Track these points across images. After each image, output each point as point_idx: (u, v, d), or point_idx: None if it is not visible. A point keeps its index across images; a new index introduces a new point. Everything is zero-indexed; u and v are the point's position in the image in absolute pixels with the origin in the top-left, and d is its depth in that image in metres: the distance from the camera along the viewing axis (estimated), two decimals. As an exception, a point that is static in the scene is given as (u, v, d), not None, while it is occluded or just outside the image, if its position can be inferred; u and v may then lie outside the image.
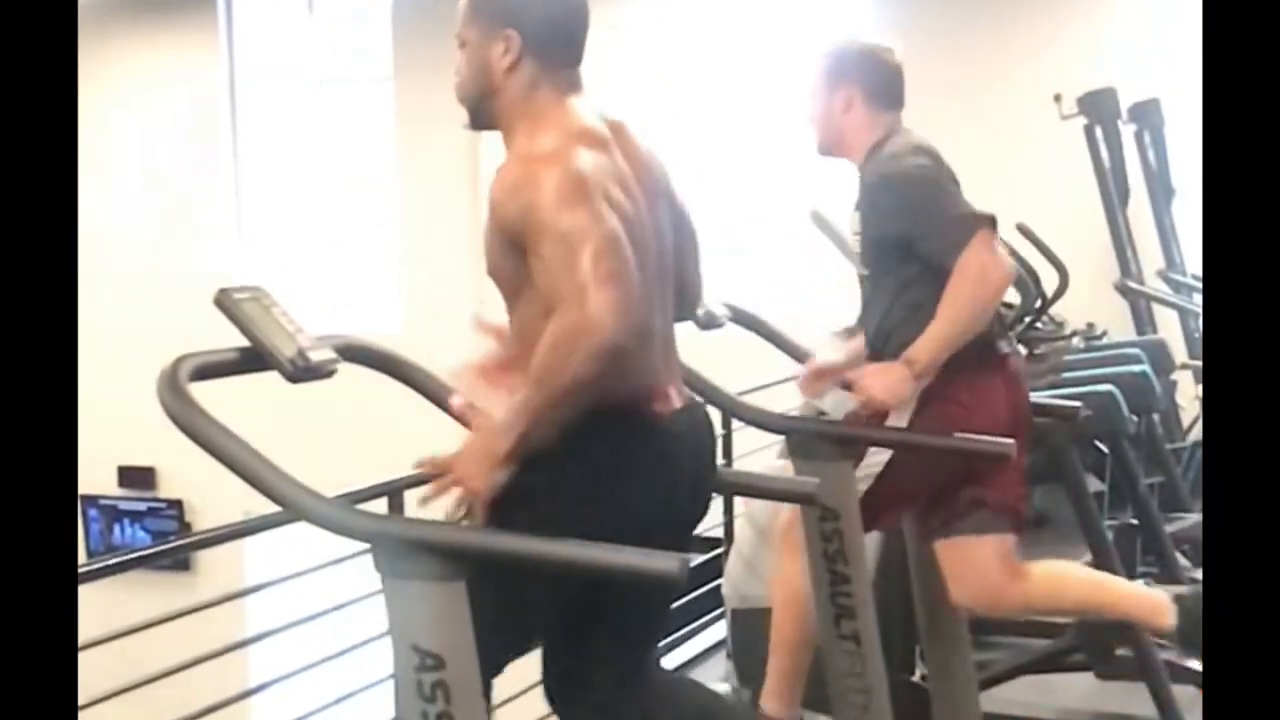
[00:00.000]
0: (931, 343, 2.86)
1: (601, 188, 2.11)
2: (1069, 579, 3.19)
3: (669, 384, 2.30)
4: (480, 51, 2.26)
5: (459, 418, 2.30)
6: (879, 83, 3.07)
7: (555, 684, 2.43)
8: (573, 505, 2.13)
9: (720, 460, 4.62)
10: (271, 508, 1.94)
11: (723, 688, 4.20)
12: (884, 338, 3.05)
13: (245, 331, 2.04)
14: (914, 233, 2.95)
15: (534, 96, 2.24)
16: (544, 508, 2.07)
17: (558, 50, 2.26)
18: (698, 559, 4.45)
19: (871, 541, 3.29)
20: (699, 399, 2.43)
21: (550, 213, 2.06)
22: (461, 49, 2.30)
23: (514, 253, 2.14)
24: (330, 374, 2.09)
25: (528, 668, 2.44)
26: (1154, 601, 3.10)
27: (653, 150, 2.35)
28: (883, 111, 3.07)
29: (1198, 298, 6.95)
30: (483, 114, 2.30)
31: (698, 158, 8.54)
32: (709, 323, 2.78)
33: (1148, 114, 7.41)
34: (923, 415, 2.98)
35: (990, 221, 2.87)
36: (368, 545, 1.90)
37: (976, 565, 3.06)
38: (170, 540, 4.35)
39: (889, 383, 2.86)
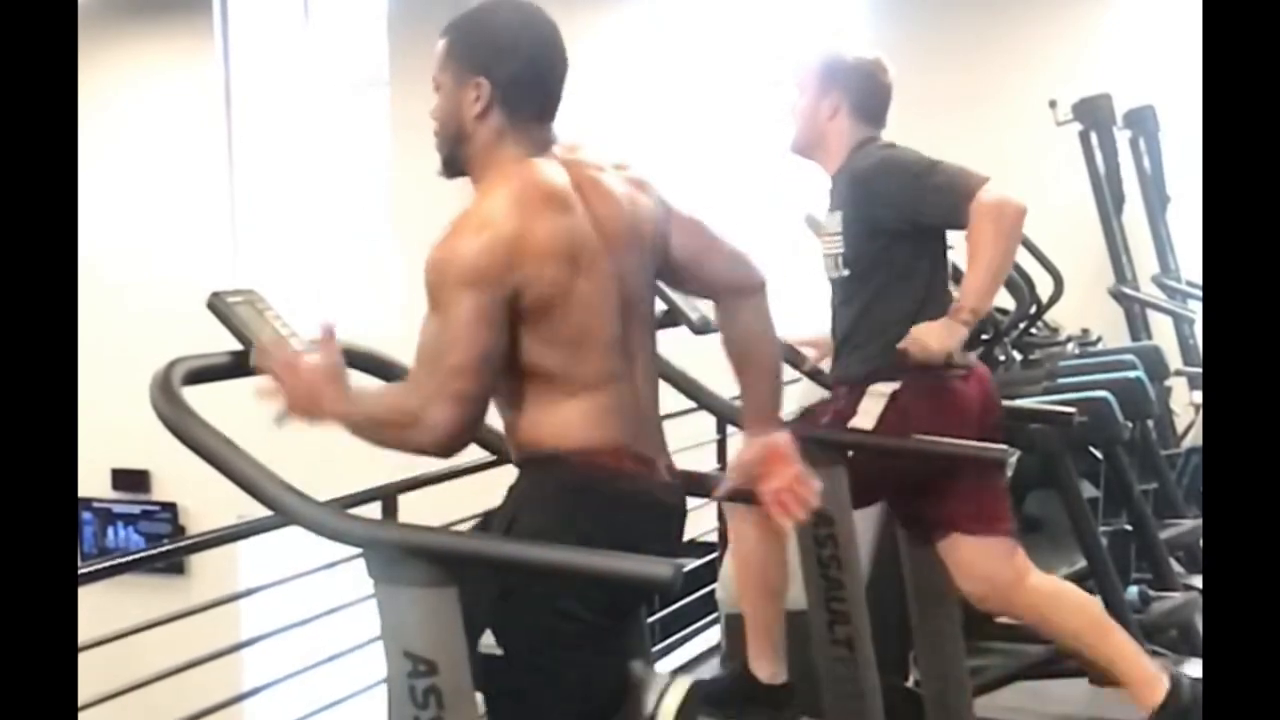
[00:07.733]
0: (972, 291, 2.95)
1: (518, 277, 2.05)
2: (1071, 605, 3.10)
3: (641, 450, 2.18)
4: (452, 97, 2.21)
5: None
6: (868, 97, 3.12)
7: None
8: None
9: (715, 466, 4.62)
10: (265, 511, 1.94)
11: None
12: (847, 346, 3.12)
13: (238, 335, 2.04)
14: (919, 203, 3.00)
15: (500, 150, 2.19)
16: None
17: (528, 104, 2.20)
18: (692, 564, 4.45)
19: (865, 547, 3.29)
20: (675, 480, 2.26)
21: (448, 290, 2.03)
22: (436, 91, 2.25)
23: None
24: (324, 378, 2.08)
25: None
26: (1147, 674, 3.00)
27: (633, 193, 2.24)
28: (864, 124, 3.12)
29: (1192, 304, 6.96)
30: (454, 161, 2.24)
31: (689, 161, 8.55)
32: (703, 327, 2.77)
33: (1143, 120, 7.41)
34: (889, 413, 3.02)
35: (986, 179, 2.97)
36: (360, 550, 1.90)
37: (979, 562, 3.07)
38: (164, 544, 4.34)
39: (940, 332, 2.95)
